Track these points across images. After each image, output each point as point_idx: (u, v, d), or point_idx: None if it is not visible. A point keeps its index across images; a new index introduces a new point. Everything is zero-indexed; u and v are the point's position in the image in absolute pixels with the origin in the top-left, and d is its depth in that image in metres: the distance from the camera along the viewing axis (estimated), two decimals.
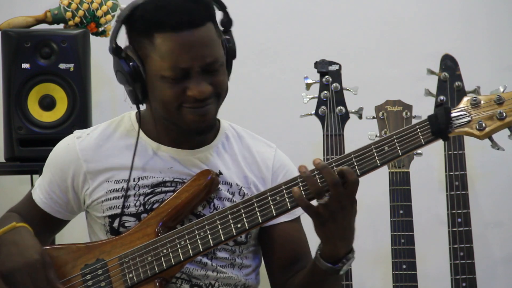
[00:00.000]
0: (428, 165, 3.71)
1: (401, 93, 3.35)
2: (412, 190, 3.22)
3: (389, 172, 3.23)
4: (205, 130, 2.22)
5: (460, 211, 3.20)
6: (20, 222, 2.25)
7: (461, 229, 3.19)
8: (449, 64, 3.25)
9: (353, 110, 3.21)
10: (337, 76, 3.22)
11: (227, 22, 2.23)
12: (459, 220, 3.19)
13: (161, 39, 2.12)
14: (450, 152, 3.23)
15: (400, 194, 3.21)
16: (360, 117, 3.21)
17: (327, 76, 3.21)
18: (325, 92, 3.20)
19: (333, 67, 3.22)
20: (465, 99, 2.07)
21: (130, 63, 2.17)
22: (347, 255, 2.10)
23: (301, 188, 2.05)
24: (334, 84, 3.20)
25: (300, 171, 2.05)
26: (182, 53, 2.12)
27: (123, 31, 2.22)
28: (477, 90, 2.13)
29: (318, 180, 2.04)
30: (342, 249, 2.09)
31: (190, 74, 2.14)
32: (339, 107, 3.20)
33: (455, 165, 3.22)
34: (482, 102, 2.05)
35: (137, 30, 2.16)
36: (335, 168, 2.05)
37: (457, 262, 3.17)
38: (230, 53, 2.23)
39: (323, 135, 3.19)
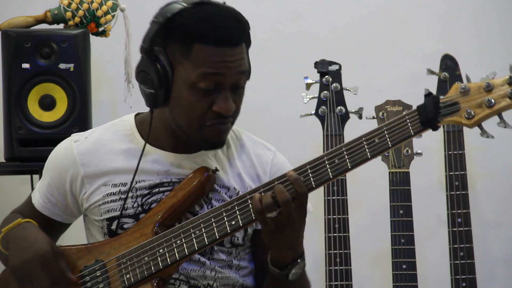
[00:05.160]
0: (428, 165, 3.71)
1: (401, 93, 3.36)
2: (412, 190, 3.22)
3: (389, 172, 3.23)
4: (217, 146, 2.23)
5: (460, 211, 3.20)
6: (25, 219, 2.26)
7: (461, 229, 3.19)
8: (449, 64, 3.25)
9: (353, 110, 3.21)
10: (337, 76, 3.22)
11: (248, 42, 2.24)
12: (459, 220, 3.19)
13: (200, 50, 2.12)
14: (450, 152, 3.23)
15: (400, 194, 3.21)
16: (360, 117, 3.21)
17: (327, 76, 3.21)
18: (325, 92, 3.21)
19: (333, 67, 3.22)
20: (454, 87, 2.06)
21: (160, 67, 2.16)
22: (296, 260, 2.12)
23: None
24: (334, 84, 3.20)
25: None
26: (220, 67, 2.12)
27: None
28: (468, 77, 2.12)
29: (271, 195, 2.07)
30: (288, 256, 2.12)
31: (220, 88, 2.14)
32: (339, 107, 3.20)
33: (455, 165, 3.22)
34: (471, 90, 2.04)
35: (174, 36, 2.15)
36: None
37: (457, 262, 3.17)
38: (248, 73, 2.25)
39: (323, 135, 3.19)
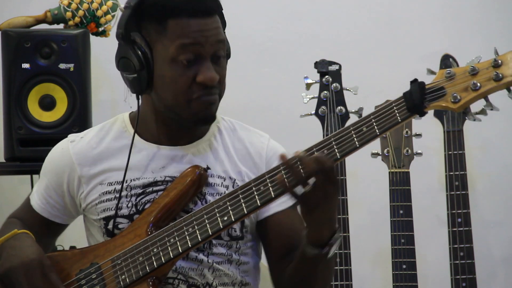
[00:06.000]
0: (428, 165, 3.71)
1: (401, 93, 3.35)
2: (412, 190, 3.22)
3: (389, 172, 3.23)
4: (208, 120, 2.22)
5: (460, 211, 3.20)
6: (22, 229, 2.25)
7: (461, 229, 3.19)
8: (449, 64, 3.25)
9: (353, 110, 3.20)
10: (337, 76, 3.22)
11: (223, 23, 2.26)
12: (459, 220, 3.19)
13: (175, 24, 2.15)
14: (450, 152, 3.23)
15: (400, 194, 3.21)
16: (360, 117, 3.21)
17: (327, 76, 3.21)
18: (325, 92, 3.20)
19: (333, 67, 3.22)
20: (440, 72, 2.06)
21: (138, 49, 2.19)
22: (333, 237, 2.11)
23: (284, 177, 2.06)
24: (334, 84, 3.20)
25: (282, 160, 2.07)
26: (196, 37, 2.15)
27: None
28: (453, 63, 2.13)
29: (300, 169, 2.05)
30: (326, 232, 2.10)
31: (201, 59, 2.16)
32: (339, 107, 3.20)
33: (455, 165, 3.22)
34: (456, 74, 2.03)
35: (147, 17, 2.18)
36: (315, 153, 2.06)
37: (457, 262, 3.17)
38: (227, 52, 2.27)
39: (323, 135, 3.19)
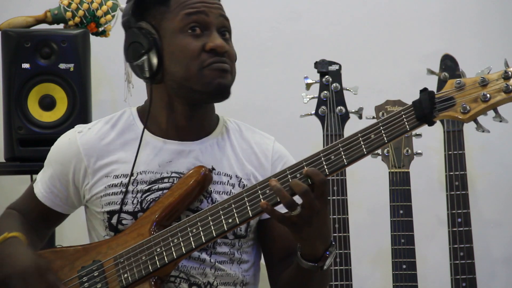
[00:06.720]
0: (428, 165, 3.71)
1: (401, 93, 3.36)
2: (412, 190, 3.22)
3: (389, 172, 3.23)
4: (222, 90, 2.22)
5: (460, 211, 3.20)
6: (13, 231, 2.25)
7: (461, 229, 3.19)
8: (449, 64, 3.25)
9: (353, 110, 3.21)
10: (337, 76, 3.22)
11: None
12: (459, 220, 3.20)
13: (177, 0, 2.22)
14: (450, 152, 3.23)
15: (400, 194, 3.21)
16: (360, 117, 3.21)
17: (327, 76, 3.21)
18: (325, 92, 3.21)
19: (333, 67, 3.22)
20: (450, 82, 2.05)
21: (145, 32, 2.21)
22: (328, 249, 2.11)
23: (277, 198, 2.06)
24: (334, 84, 3.20)
25: (270, 184, 2.06)
26: (199, 7, 2.21)
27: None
28: (462, 73, 2.12)
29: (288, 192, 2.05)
30: (320, 247, 2.10)
31: (207, 30, 2.21)
32: (339, 107, 3.20)
33: (455, 165, 3.22)
34: (466, 85, 2.03)
35: (150, 4, 2.23)
36: (305, 167, 2.06)
37: (457, 262, 3.17)
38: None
39: (323, 135, 3.20)
